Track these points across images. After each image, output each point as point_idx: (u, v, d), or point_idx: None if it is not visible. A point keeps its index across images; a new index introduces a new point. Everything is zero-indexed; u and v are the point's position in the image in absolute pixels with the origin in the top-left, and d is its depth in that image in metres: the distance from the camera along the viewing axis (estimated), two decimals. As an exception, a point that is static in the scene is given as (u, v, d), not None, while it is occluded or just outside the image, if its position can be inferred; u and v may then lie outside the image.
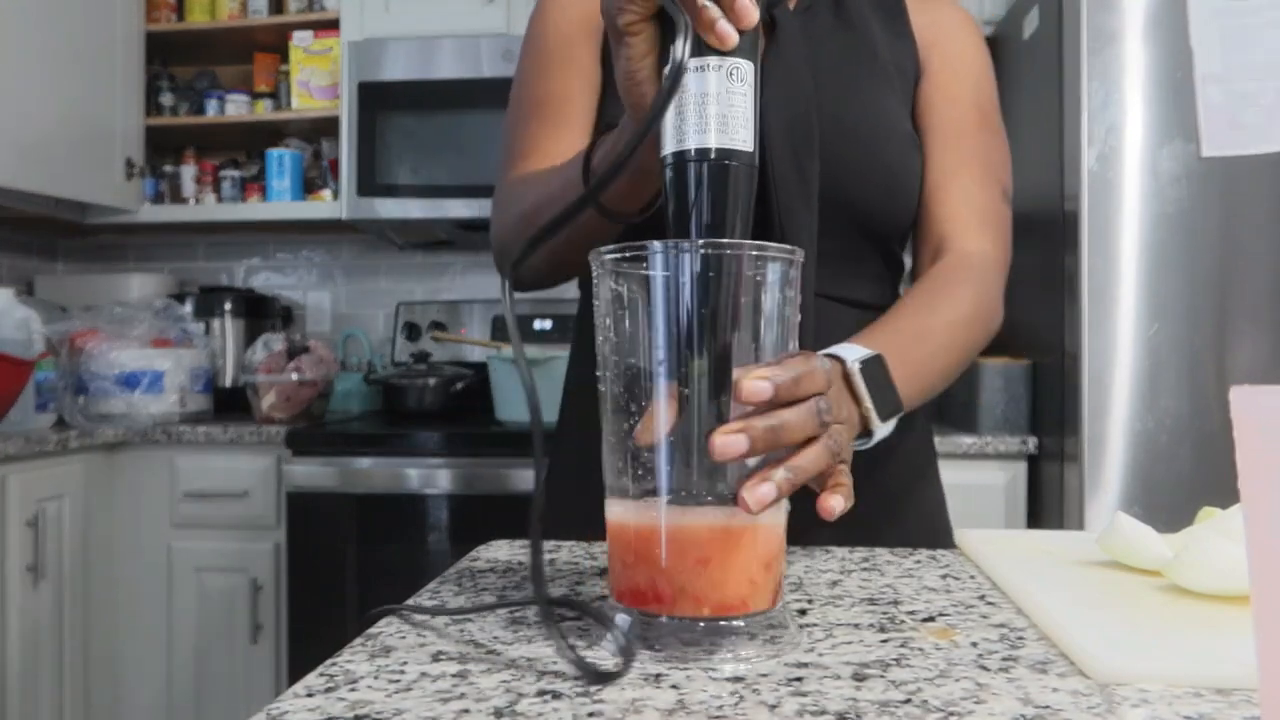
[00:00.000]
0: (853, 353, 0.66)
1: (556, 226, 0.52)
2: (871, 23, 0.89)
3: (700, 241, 0.47)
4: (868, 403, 0.65)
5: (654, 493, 0.48)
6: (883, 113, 0.84)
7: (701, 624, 0.47)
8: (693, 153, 0.50)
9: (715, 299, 0.46)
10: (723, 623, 0.47)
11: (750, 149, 0.51)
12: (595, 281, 0.50)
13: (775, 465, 0.47)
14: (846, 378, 0.65)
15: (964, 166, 0.86)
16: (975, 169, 0.86)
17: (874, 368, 0.66)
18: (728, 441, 0.45)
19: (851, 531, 0.80)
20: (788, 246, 0.48)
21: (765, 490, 0.46)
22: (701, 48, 0.50)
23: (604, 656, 0.48)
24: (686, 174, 0.51)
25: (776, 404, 0.46)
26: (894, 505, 0.86)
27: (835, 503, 0.50)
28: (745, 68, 0.51)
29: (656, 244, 0.47)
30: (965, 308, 0.80)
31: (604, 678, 0.44)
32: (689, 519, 0.47)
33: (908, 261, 0.92)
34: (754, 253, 0.47)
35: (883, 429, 0.67)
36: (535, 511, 0.47)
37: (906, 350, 0.71)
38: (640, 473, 0.48)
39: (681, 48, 0.48)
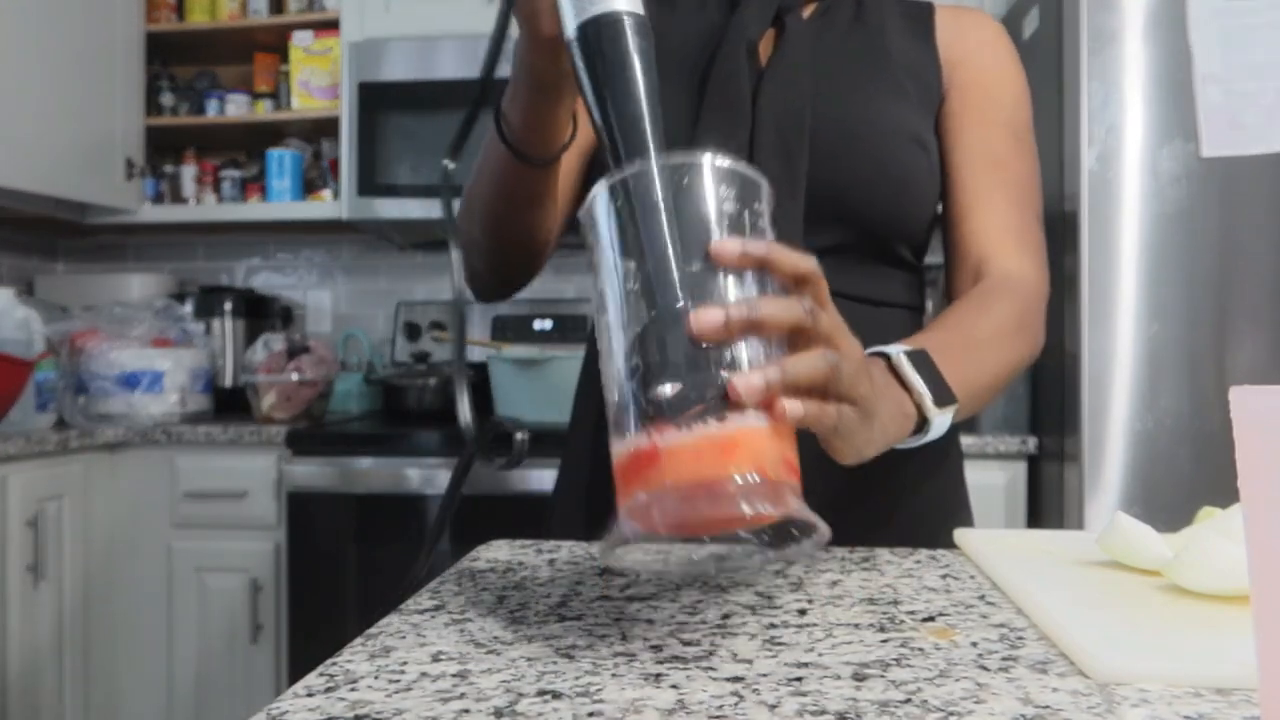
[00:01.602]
0: (895, 348, 0.65)
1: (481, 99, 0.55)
2: (891, 29, 0.88)
3: (676, 159, 0.47)
4: (920, 387, 0.63)
5: (654, 405, 0.44)
6: (885, 114, 0.84)
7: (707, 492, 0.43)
8: (587, 19, 0.54)
9: (693, 207, 0.46)
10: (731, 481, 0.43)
11: (637, 10, 0.54)
12: (586, 234, 0.49)
13: (770, 365, 0.45)
14: (894, 370, 0.64)
15: (999, 189, 0.85)
16: (1011, 192, 0.86)
17: (920, 358, 0.65)
18: (702, 315, 0.44)
19: (874, 525, 0.80)
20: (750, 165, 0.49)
21: (755, 379, 0.44)
22: None
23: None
24: (586, 46, 0.53)
25: (732, 334, 0.45)
26: (920, 499, 0.86)
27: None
28: None
29: (629, 166, 0.47)
30: (1010, 321, 0.79)
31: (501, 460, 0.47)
32: (685, 427, 0.44)
33: (926, 262, 0.92)
34: (722, 164, 0.47)
35: (939, 419, 0.64)
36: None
37: (954, 357, 0.69)
38: (637, 378, 0.45)
39: None
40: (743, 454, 0.43)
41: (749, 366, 0.45)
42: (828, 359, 0.48)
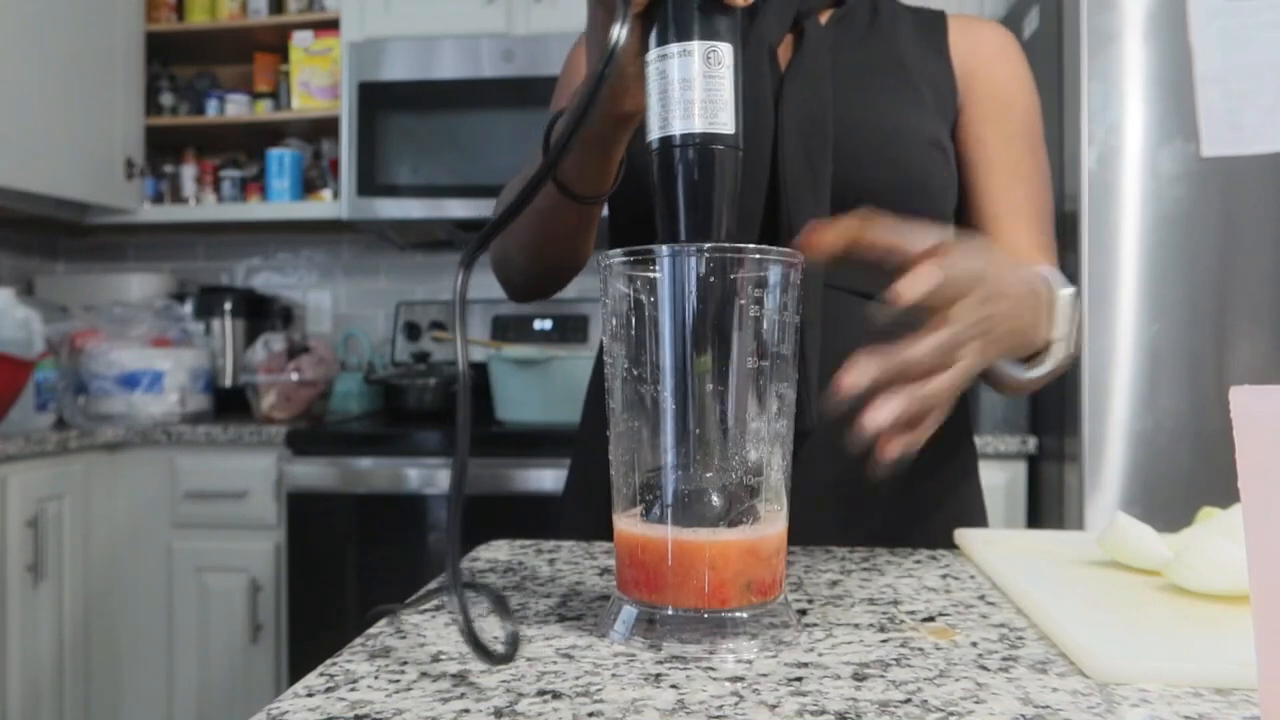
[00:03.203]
0: (1060, 281, 0.67)
1: (518, 208, 0.52)
2: (906, 37, 0.89)
3: (706, 245, 0.48)
4: (1060, 331, 0.65)
5: (658, 488, 0.49)
6: (902, 119, 0.84)
7: (705, 614, 0.48)
8: (678, 138, 0.51)
9: (718, 300, 0.47)
10: (725, 614, 0.48)
11: (732, 131, 0.52)
12: (601, 285, 0.51)
13: (903, 391, 0.49)
14: (1051, 302, 0.66)
15: (1024, 205, 0.87)
16: (1034, 208, 0.88)
17: (1073, 305, 0.67)
18: (854, 377, 0.47)
19: (892, 530, 0.80)
20: (788, 250, 0.49)
21: (885, 415, 0.48)
22: (681, 32, 0.51)
23: (615, 641, 0.48)
24: (673, 159, 0.52)
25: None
26: (938, 504, 0.87)
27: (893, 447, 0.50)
28: (724, 50, 0.52)
29: (664, 248, 0.48)
30: None
31: (495, 659, 0.44)
32: (693, 522, 0.48)
33: None
34: (756, 256, 0.48)
35: (1049, 363, 0.66)
36: (455, 488, 0.47)
37: None
38: (645, 467, 0.49)
39: (618, 31, 0.50)
40: (743, 563, 0.49)
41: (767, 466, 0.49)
42: (962, 372, 0.51)
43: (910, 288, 0.48)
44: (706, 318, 0.47)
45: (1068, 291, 0.66)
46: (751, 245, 0.48)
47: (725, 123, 0.51)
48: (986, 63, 0.90)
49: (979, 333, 0.53)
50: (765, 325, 0.48)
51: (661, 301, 0.48)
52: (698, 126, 0.51)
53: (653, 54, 0.53)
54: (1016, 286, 0.59)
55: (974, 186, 0.88)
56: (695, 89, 0.51)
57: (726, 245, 0.48)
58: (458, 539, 0.47)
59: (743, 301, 0.48)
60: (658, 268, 0.48)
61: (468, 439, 0.47)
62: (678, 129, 0.51)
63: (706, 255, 0.47)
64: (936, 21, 0.91)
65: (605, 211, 0.95)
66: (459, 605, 0.45)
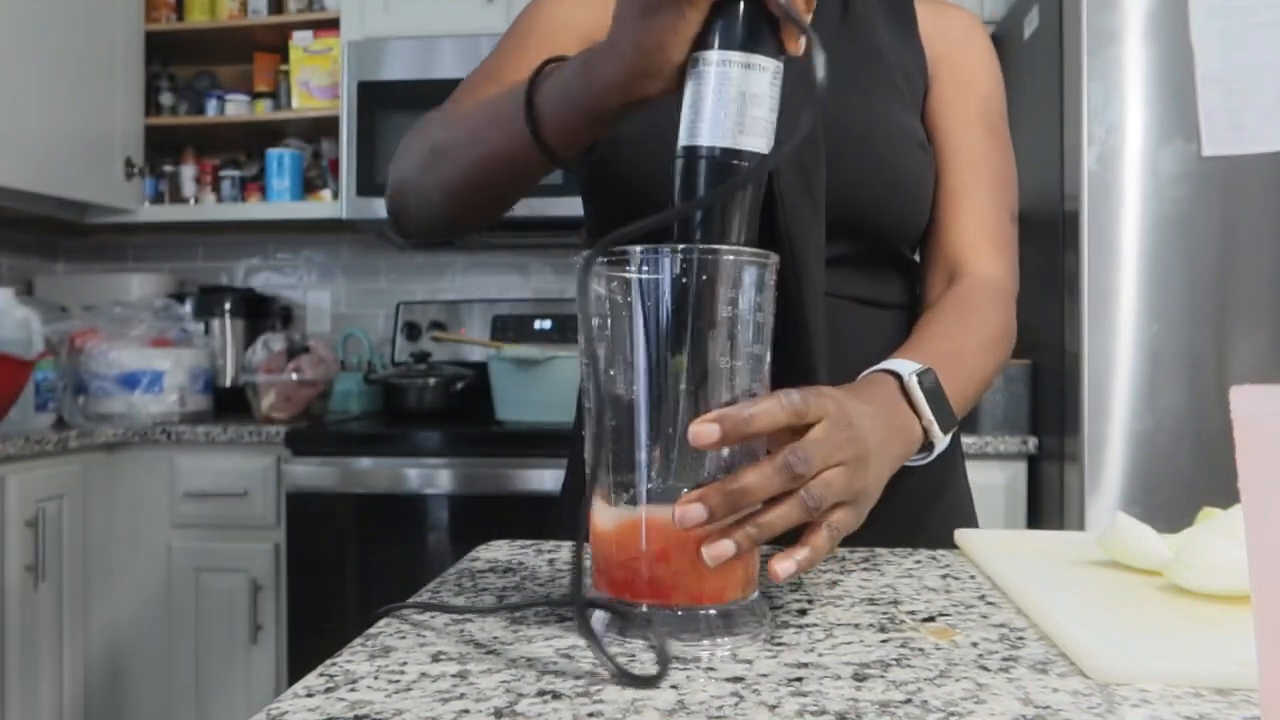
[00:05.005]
0: (906, 366, 0.65)
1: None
2: (879, 28, 0.87)
3: (679, 246, 0.48)
4: (929, 415, 0.64)
5: (633, 486, 0.49)
6: (888, 117, 0.83)
7: (679, 612, 0.49)
8: (719, 150, 0.50)
9: (692, 300, 0.47)
10: (700, 611, 0.49)
11: (767, 152, 0.52)
12: (579, 284, 0.50)
13: (741, 524, 0.48)
14: (905, 393, 0.64)
15: (976, 187, 0.85)
16: (986, 191, 0.86)
17: (930, 380, 0.65)
18: (686, 512, 0.46)
19: (886, 532, 0.80)
20: (762, 251, 0.49)
21: (724, 547, 0.47)
22: (757, 44, 0.50)
23: (630, 655, 0.48)
24: (697, 170, 0.51)
25: (729, 443, 0.47)
26: (927, 503, 0.87)
27: (783, 567, 0.49)
28: (780, 70, 0.52)
29: (638, 248, 0.48)
30: (993, 330, 0.80)
31: (641, 681, 0.44)
32: (665, 516, 0.48)
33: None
34: (730, 257, 0.48)
35: (942, 442, 0.66)
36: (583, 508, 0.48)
37: (947, 372, 0.70)
38: (620, 466, 0.49)
39: (822, 63, 0.46)
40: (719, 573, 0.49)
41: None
42: (805, 503, 0.49)
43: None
44: (680, 317, 0.47)
45: (913, 371, 0.64)
46: (726, 246, 0.48)
47: (766, 145, 0.51)
48: (954, 46, 0.89)
49: (847, 456, 0.52)
50: (739, 325, 0.49)
51: (635, 301, 0.48)
52: (746, 144, 0.50)
53: (715, 54, 0.51)
54: (868, 402, 0.58)
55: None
56: (759, 104, 0.50)
57: (701, 246, 0.48)
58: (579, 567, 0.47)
59: (717, 302, 0.48)
60: (632, 267, 0.48)
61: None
62: (723, 141, 0.50)
63: (681, 255, 0.47)
64: (904, 5, 0.90)
65: (583, 209, 0.94)
66: (587, 631, 0.45)
